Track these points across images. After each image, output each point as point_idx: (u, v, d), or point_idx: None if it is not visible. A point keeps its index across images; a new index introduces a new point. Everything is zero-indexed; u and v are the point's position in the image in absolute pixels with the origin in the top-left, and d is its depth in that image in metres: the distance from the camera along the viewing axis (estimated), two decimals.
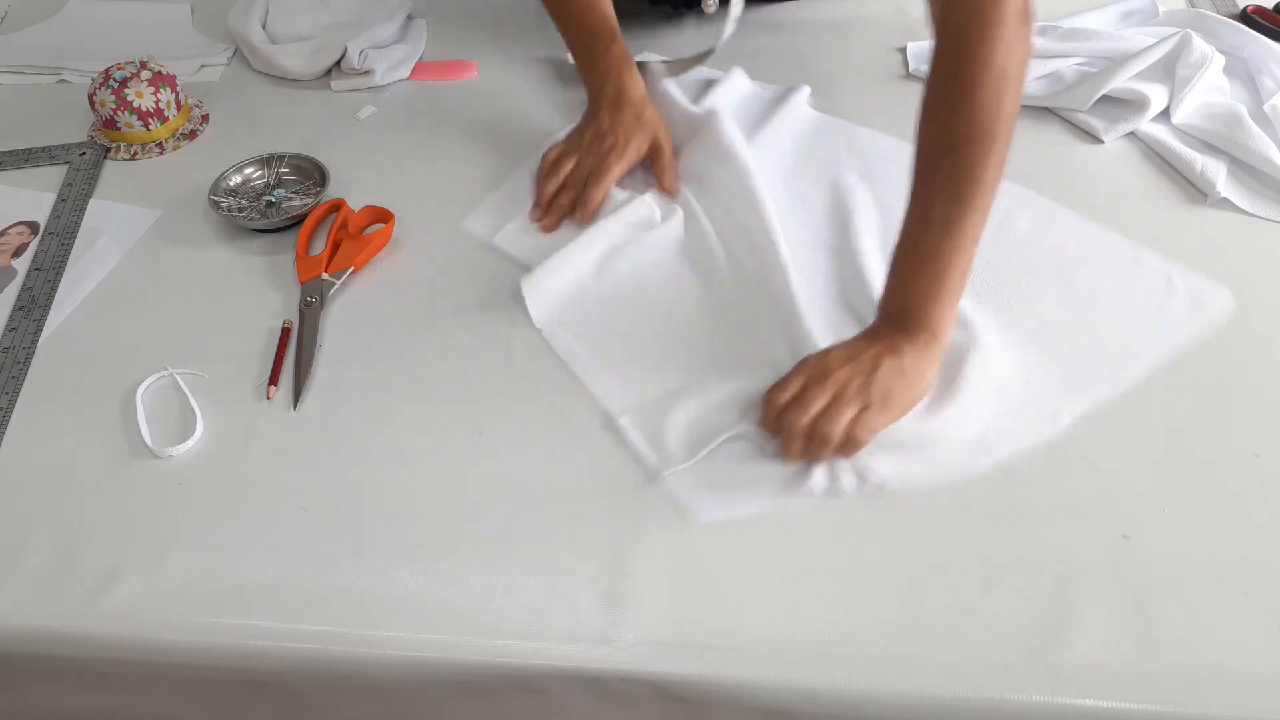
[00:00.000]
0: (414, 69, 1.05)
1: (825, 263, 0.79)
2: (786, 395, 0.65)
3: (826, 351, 0.68)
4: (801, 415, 0.64)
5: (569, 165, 0.83)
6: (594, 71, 0.86)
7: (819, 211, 0.83)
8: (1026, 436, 0.66)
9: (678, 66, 0.97)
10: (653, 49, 1.04)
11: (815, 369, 0.66)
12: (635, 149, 0.83)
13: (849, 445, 0.64)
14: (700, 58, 0.98)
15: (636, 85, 0.86)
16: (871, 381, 0.65)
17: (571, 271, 0.78)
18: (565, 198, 0.83)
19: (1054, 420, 0.67)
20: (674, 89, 0.93)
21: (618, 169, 0.82)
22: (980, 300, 0.75)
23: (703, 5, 1.04)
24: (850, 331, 0.70)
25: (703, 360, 0.72)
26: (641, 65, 0.95)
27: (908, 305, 0.67)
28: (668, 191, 0.82)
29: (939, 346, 0.67)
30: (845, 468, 0.65)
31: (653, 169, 0.83)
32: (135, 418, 0.70)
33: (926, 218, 0.65)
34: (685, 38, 1.06)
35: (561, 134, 0.91)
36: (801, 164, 0.88)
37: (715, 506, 0.64)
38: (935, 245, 0.65)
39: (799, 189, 0.85)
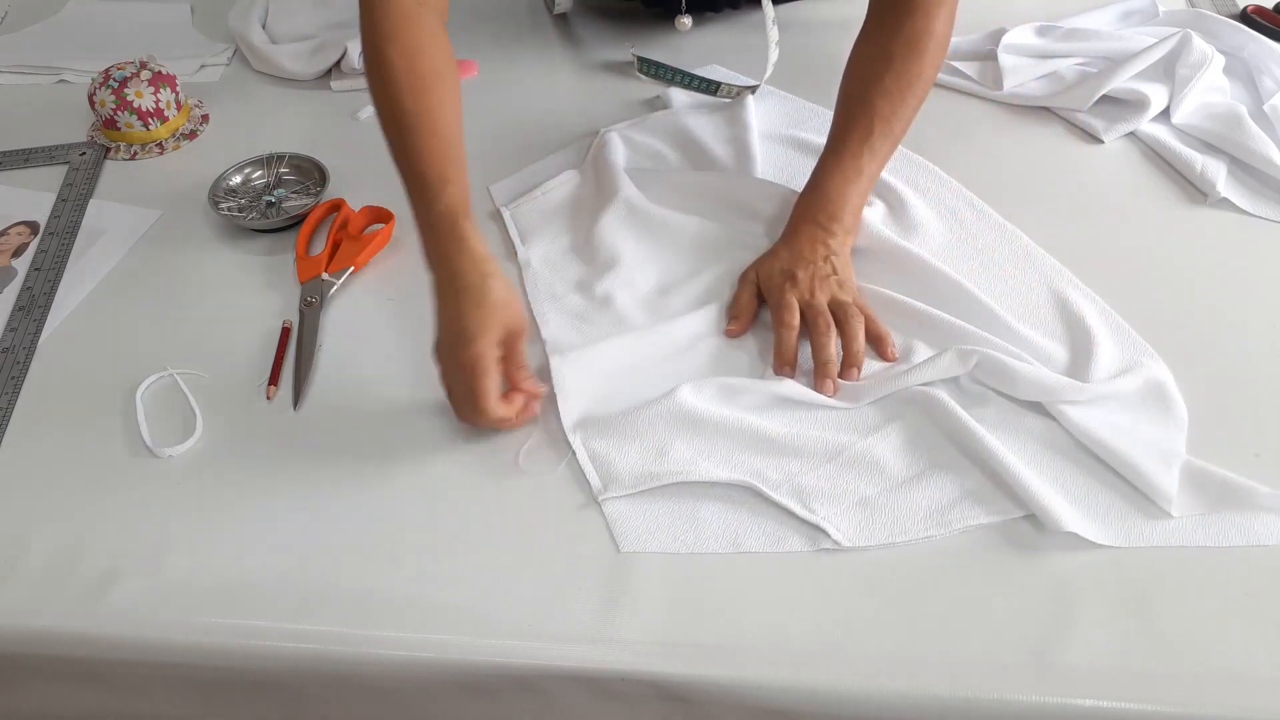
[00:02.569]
0: None
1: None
2: (793, 348, 0.71)
3: (789, 274, 0.74)
4: (828, 362, 0.70)
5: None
6: (424, 236, 0.70)
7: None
8: (986, 519, 0.62)
9: (729, 91, 0.97)
10: (653, 54, 1.04)
11: (798, 301, 0.73)
12: (491, 355, 0.65)
13: (879, 344, 0.72)
14: (750, 89, 0.97)
15: (470, 258, 0.68)
16: (843, 279, 0.75)
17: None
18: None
19: (1016, 510, 0.62)
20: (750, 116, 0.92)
21: (491, 387, 0.65)
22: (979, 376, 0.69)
23: (676, 23, 1.05)
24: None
25: (680, 395, 0.68)
26: (707, 83, 0.97)
27: (834, 210, 0.77)
28: (520, 389, 0.68)
29: (853, 236, 0.78)
30: (794, 528, 0.62)
31: (503, 362, 0.67)
32: (135, 418, 0.70)
33: (859, 143, 0.78)
34: (685, 40, 1.06)
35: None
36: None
37: (641, 540, 0.62)
38: (865, 165, 0.78)
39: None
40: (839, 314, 0.72)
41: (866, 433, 0.67)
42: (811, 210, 0.77)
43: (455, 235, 0.68)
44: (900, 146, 0.81)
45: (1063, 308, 0.75)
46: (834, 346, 0.71)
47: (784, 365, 0.71)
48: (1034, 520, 0.62)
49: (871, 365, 0.72)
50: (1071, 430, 0.66)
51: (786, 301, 0.73)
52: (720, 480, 0.64)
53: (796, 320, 0.72)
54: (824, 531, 0.62)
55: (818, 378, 0.70)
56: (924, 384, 0.68)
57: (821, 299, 0.73)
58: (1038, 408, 0.68)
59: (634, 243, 0.82)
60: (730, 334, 0.74)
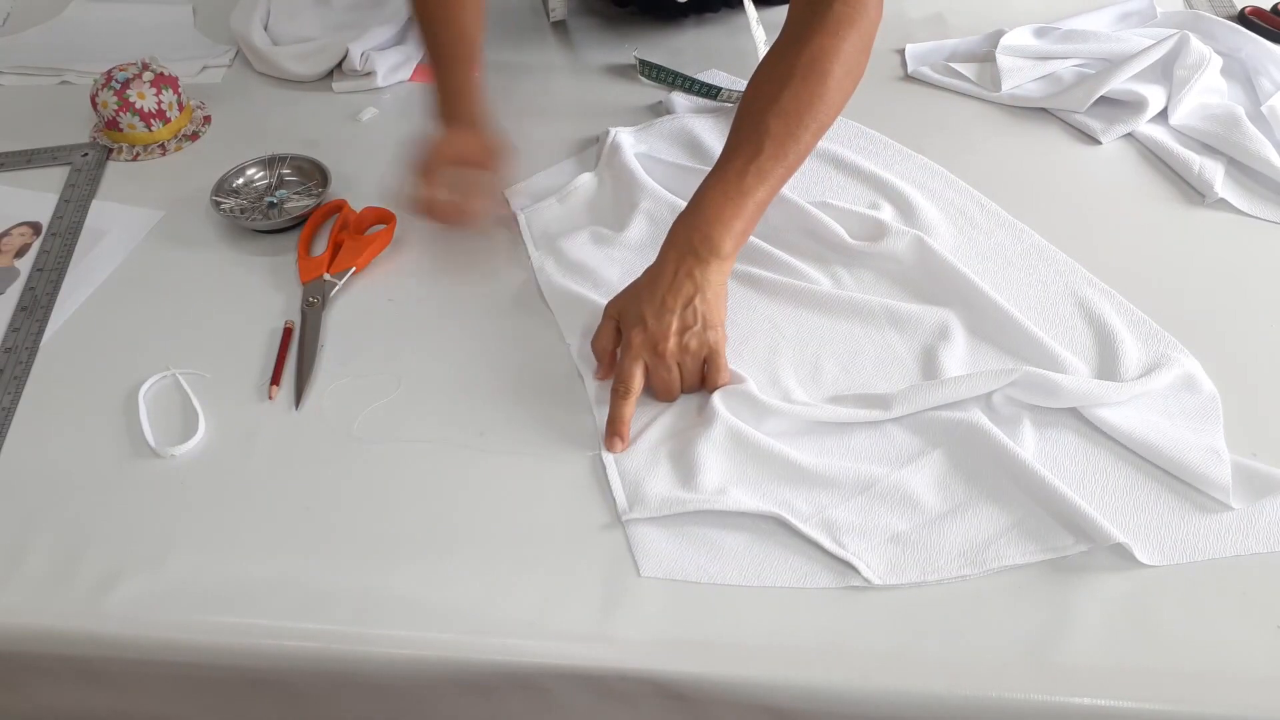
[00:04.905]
0: (415, 70, 1.05)
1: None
2: (624, 419, 0.68)
3: (640, 320, 0.69)
4: (668, 395, 0.70)
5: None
6: (445, 92, 0.83)
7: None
8: (1020, 559, 0.60)
9: (730, 96, 0.97)
10: (654, 55, 1.04)
11: (643, 342, 0.69)
12: (438, 151, 0.79)
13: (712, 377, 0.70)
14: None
15: (482, 108, 0.82)
16: (704, 328, 0.69)
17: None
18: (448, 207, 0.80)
19: (1058, 550, 0.60)
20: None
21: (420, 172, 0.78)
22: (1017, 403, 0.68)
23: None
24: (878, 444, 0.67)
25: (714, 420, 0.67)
26: (707, 88, 0.97)
27: (709, 232, 0.71)
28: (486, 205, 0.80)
29: (729, 265, 0.73)
30: (823, 564, 0.60)
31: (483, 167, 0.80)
32: (138, 417, 0.71)
33: (746, 162, 0.71)
34: (683, 42, 1.07)
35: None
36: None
37: (662, 566, 0.60)
38: (750, 186, 0.71)
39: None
40: (685, 372, 0.69)
41: (900, 464, 0.65)
42: (685, 232, 0.71)
43: (470, 91, 0.82)
44: (903, 148, 0.80)
45: (1081, 305, 0.75)
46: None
47: (614, 436, 0.67)
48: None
49: (901, 382, 0.70)
50: (1113, 435, 0.65)
51: (627, 366, 0.69)
52: (749, 510, 0.62)
53: (637, 386, 0.68)
54: (854, 568, 0.60)
55: (609, 437, 0.67)
56: (957, 402, 0.67)
57: (670, 362, 0.69)
58: (1072, 424, 0.67)
59: (653, 255, 0.81)
60: (600, 378, 0.71)
